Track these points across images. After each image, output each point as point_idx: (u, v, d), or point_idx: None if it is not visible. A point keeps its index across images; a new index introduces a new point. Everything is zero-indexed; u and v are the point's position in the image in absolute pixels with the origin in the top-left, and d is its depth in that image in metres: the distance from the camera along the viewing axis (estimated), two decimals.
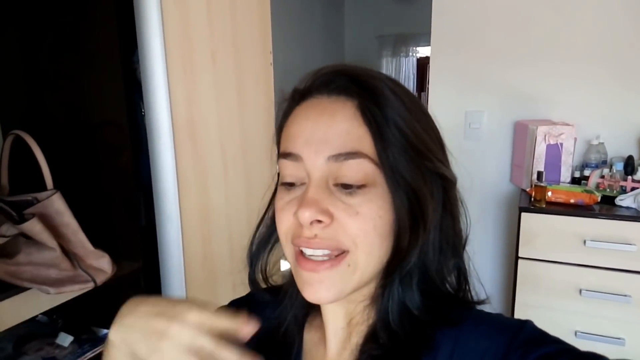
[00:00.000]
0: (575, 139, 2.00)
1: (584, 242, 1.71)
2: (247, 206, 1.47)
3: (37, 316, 1.28)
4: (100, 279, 1.11)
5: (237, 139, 1.44)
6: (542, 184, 1.79)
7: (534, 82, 2.18)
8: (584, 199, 1.76)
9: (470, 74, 2.27)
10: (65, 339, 1.18)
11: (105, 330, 1.23)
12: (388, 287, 0.53)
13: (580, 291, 1.74)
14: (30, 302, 1.03)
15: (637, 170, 1.85)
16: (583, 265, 1.74)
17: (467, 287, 0.57)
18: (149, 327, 0.43)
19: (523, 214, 1.79)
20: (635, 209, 1.72)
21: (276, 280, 0.66)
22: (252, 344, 0.61)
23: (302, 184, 0.52)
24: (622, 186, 1.84)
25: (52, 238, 1.03)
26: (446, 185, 0.54)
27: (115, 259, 1.14)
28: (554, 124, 2.00)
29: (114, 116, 1.15)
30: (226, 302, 1.38)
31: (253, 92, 1.50)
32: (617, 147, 2.05)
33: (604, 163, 2.01)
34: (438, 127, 0.56)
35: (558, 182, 1.95)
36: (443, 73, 2.30)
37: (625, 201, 1.75)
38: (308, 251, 0.51)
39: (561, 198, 1.79)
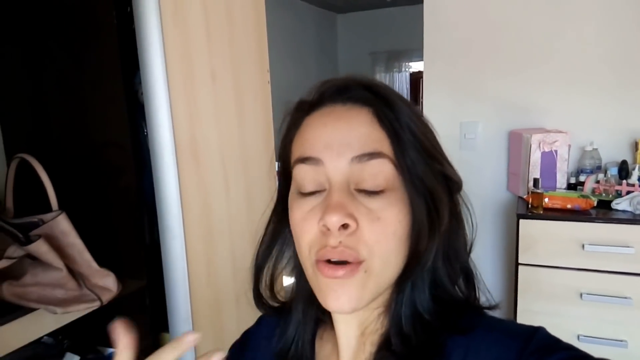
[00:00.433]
0: (570, 146, 2.03)
1: (583, 246, 1.73)
2: (249, 222, 1.49)
3: (42, 338, 1.28)
4: (106, 298, 1.11)
5: (238, 155, 1.46)
6: (538, 191, 1.81)
7: (526, 92, 2.22)
8: (581, 204, 1.79)
9: (463, 85, 2.31)
10: (71, 359, 1.18)
11: (110, 350, 1.23)
12: (402, 293, 0.54)
13: (581, 295, 1.75)
14: (37, 322, 1.04)
15: (631, 174, 1.89)
16: (583, 270, 1.76)
17: (477, 291, 0.57)
18: None
19: (521, 221, 1.81)
20: (631, 212, 1.75)
21: (282, 294, 0.67)
22: None
23: (321, 191, 0.52)
24: (617, 190, 1.87)
25: (58, 258, 1.04)
26: (452, 187, 0.55)
27: (120, 278, 1.15)
28: (548, 131, 2.04)
29: (117, 137, 1.17)
30: (231, 319, 1.40)
31: (252, 110, 1.53)
32: (611, 153, 2.08)
33: (598, 168, 2.04)
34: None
35: (554, 188, 1.98)
36: (437, 85, 2.34)
37: (621, 205, 1.78)
38: (333, 260, 0.50)
39: (558, 204, 1.82)
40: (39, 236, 1.02)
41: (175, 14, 1.19)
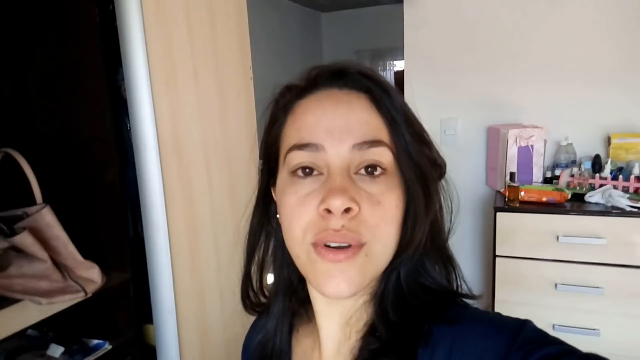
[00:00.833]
0: (545, 141, 2.09)
1: (557, 238, 1.78)
2: (232, 216, 1.51)
3: (27, 330, 1.30)
4: (91, 289, 1.14)
5: (221, 151, 1.48)
6: (514, 184, 1.87)
7: (504, 88, 2.28)
8: (555, 197, 1.84)
9: (443, 82, 2.36)
10: (56, 350, 1.20)
11: (95, 341, 1.26)
12: (390, 279, 0.54)
13: (556, 285, 1.81)
14: (22, 313, 1.06)
15: (604, 168, 1.94)
16: (557, 261, 1.81)
17: (459, 279, 0.57)
18: None
19: (498, 214, 1.86)
20: (603, 204, 1.81)
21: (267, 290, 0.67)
22: None
23: (318, 175, 0.51)
24: (590, 184, 1.92)
25: (42, 250, 1.06)
26: (439, 171, 0.56)
27: (104, 270, 1.17)
28: (524, 127, 2.09)
29: (101, 132, 1.19)
30: (215, 312, 1.41)
31: (234, 106, 1.56)
32: (585, 147, 2.14)
33: (573, 162, 2.10)
34: None
35: (531, 182, 2.03)
36: (417, 82, 2.39)
37: (594, 197, 1.83)
38: (333, 245, 0.49)
39: (534, 197, 1.87)
40: (23, 228, 1.04)
41: (157, 11, 1.21)
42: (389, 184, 0.51)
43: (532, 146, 2.02)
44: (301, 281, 0.62)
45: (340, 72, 0.54)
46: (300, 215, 0.50)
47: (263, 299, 0.66)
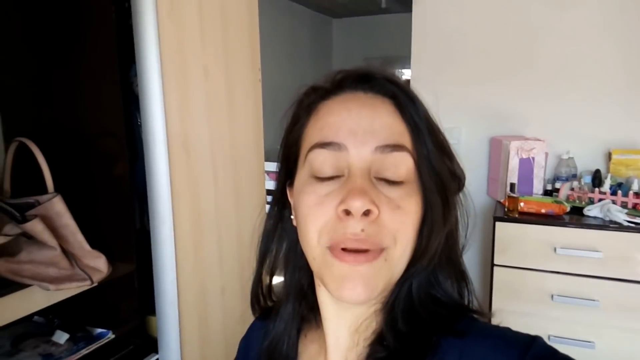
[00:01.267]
0: (547, 154, 2.12)
1: (555, 249, 1.81)
2: (236, 214, 1.54)
3: (33, 317, 1.33)
4: (97, 278, 1.17)
5: (227, 150, 1.52)
6: (514, 195, 1.89)
7: (509, 101, 2.31)
8: (554, 209, 1.87)
9: (448, 92, 2.39)
10: (61, 337, 1.23)
11: (99, 330, 1.29)
12: (402, 288, 0.53)
13: (552, 297, 1.83)
14: (31, 298, 1.09)
15: (603, 182, 1.97)
16: (554, 272, 1.84)
17: (470, 294, 0.57)
18: None
19: (497, 224, 1.89)
20: (601, 218, 1.83)
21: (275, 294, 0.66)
22: None
23: (339, 176, 0.50)
24: (590, 198, 1.95)
25: (52, 238, 1.09)
26: (458, 183, 0.55)
27: (110, 261, 1.20)
28: (527, 139, 2.12)
29: (112, 126, 1.22)
30: (216, 307, 1.44)
31: (242, 107, 1.59)
32: (586, 162, 2.17)
33: (573, 176, 2.13)
34: None
35: (531, 193, 2.06)
36: (422, 91, 2.41)
37: (592, 211, 1.86)
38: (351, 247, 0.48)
39: (533, 208, 1.90)
40: (34, 216, 1.07)
41: (171, 11, 1.25)
42: (409, 190, 0.50)
43: (533, 158, 2.05)
44: (311, 286, 0.61)
45: (366, 76, 0.54)
46: (317, 215, 0.50)
47: (270, 303, 0.66)
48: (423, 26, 2.41)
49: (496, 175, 2.22)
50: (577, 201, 1.96)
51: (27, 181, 1.17)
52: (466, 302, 0.56)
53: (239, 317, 1.56)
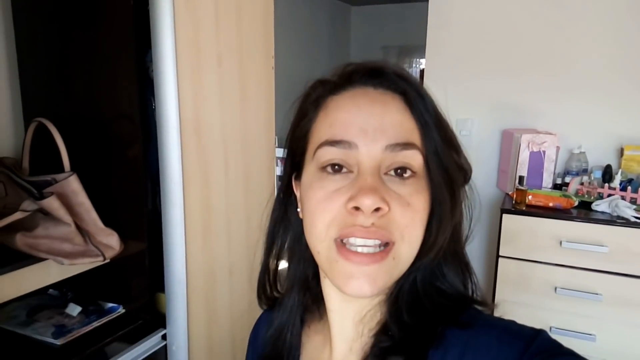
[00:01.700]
0: (558, 148, 2.11)
1: (560, 243, 1.82)
2: (244, 198, 1.58)
3: (48, 289, 1.39)
4: (109, 255, 1.21)
5: (238, 136, 1.55)
6: (523, 188, 1.90)
7: (522, 93, 2.30)
8: (562, 202, 1.87)
9: (461, 83, 2.39)
10: (74, 309, 1.28)
11: (110, 304, 1.34)
12: (407, 281, 0.54)
13: (556, 289, 1.84)
14: (46, 271, 1.14)
15: (614, 178, 1.96)
16: (559, 265, 1.85)
17: (475, 286, 0.57)
18: None
19: (504, 215, 1.90)
20: (609, 213, 1.83)
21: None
22: (260, 356, 0.65)
23: (348, 172, 0.51)
24: (599, 193, 1.95)
25: (67, 215, 1.13)
26: (464, 177, 0.55)
27: (122, 239, 1.24)
28: (538, 132, 2.12)
29: (128, 109, 1.26)
30: (223, 288, 1.48)
31: (255, 94, 1.61)
32: (597, 157, 2.16)
33: (584, 171, 2.13)
34: None
35: (540, 187, 2.06)
36: (436, 81, 2.43)
37: (600, 206, 1.86)
38: (358, 241, 0.49)
39: (541, 201, 1.90)
40: (51, 193, 1.12)
41: None
42: (418, 187, 0.50)
43: (544, 152, 2.05)
44: (315, 277, 0.62)
45: (376, 71, 0.53)
46: (325, 210, 0.50)
47: (277, 294, 0.66)
48: (439, 16, 2.41)
49: (506, 167, 2.22)
50: (586, 196, 1.96)
51: (44, 160, 1.22)
52: (470, 293, 0.57)
53: (246, 297, 1.61)
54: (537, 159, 2.05)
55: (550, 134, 2.10)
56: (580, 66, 2.18)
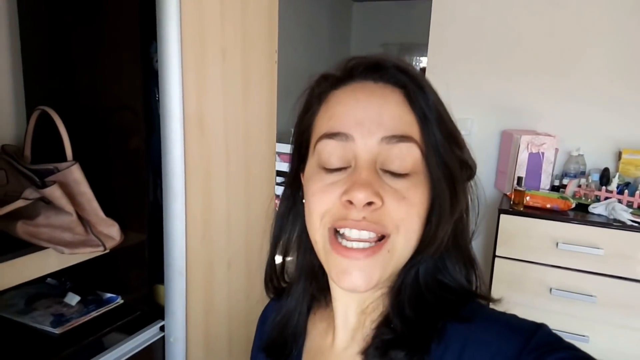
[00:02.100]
0: (557, 150, 2.13)
1: (557, 244, 1.83)
2: (245, 192, 1.58)
3: (46, 278, 1.39)
4: (109, 245, 1.21)
5: (240, 130, 1.55)
6: (521, 189, 1.91)
7: (522, 95, 2.31)
8: (559, 204, 1.88)
9: (462, 82, 2.40)
10: (72, 299, 1.28)
11: (108, 295, 1.34)
12: (409, 274, 0.54)
13: (551, 290, 1.86)
14: (46, 260, 1.13)
15: (611, 181, 1.98)
16: (554, 266, 1.86)
17: (478, 280, 0.57)
18: None
19: (502, 216, 1.91)
20: (605, 216, 1.85)
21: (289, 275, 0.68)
22: (266, 340, 0.66)
23: (346, 167, 0.51)
24: (596, 195, 1.96)
25: (69, 204, 1.13)
26: (468, 172, 0.55)
27: (123, 230, 1.24)
28: (538, 134, 2.13)
29: (131, 100, 1.25)
30: (221, 281, 1.48)
31: (257, 88, 1.61)
32: (595, 160, 2.18)
33: (582, 173, 2.14)
34: None
35: (538, 188, 2.08)
36: (437, 80, 2.42)
37: (597, 209, 1.87)
38: (353, 234, 0.49)
39: (538, 203, 1.92)
40: (53, 182, 1.12)
41: None
42: (415, 181, 0.50)
43: (542, 153, 2.06)
44: (321, 267, 0.61)
45: (376, 65, 0.53)
46: (320, 201, 0.51)
47: (283, 284, 0.68)
48: (442, 15, 2.41)
49: (505, 168, 2.23)
50: (584, 198, 1.97)
51: (47, 148, 1.21)
52: (474, 288, 0.57)
53: (243, 290, 1.61)
54: (535, 160, 2.06)
55: (550, 135, 2.11)
56: (581, 69, 2.20)
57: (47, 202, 1.14)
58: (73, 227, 1.17)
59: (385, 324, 0.54)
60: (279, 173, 1.77)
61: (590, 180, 2.05)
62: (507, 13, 2.30)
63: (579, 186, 2.03)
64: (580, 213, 1.90)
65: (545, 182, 2.09)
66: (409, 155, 0.50)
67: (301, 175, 0.61)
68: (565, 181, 2.11)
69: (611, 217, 1.82)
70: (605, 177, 2.02)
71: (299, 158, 0.60)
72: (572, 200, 1.90)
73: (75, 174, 1.17)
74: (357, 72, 0.54)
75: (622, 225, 1.77)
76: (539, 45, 2.26)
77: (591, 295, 1.81)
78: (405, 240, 0.50)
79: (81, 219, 1.19)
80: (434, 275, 0.55)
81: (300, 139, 0.59)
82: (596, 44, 2.16)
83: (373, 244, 0.50)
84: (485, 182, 2.49)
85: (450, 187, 0.52)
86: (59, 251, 1.14)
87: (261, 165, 1.65)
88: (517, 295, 1.92)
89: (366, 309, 0.56)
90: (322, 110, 0.55)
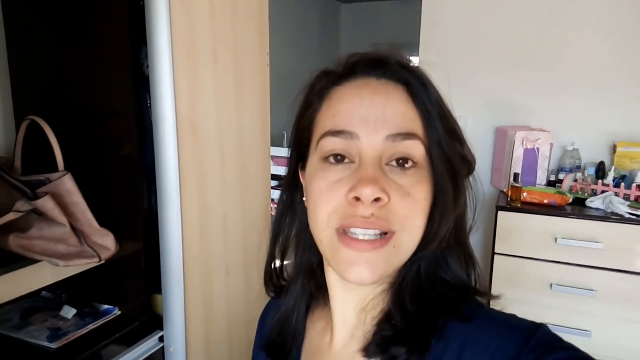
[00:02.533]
0: (552, 145, 2.12)
1: (555, 239, 1.83)
2: (241, 196, 1.56)
3: (41, 292, 1.36)
4: (105, 255, 1.19)
5: (234, 133, 1.53)
6: (517, 185, 1.91)
7: (515, 91, 2.31)
8: (557, 199, 1.88)
9: (455, 80, 2.39)
10: (68, 312, 1.26)
11: (105, 306, 1.32)
12: (411, 270, 0.54)
13: (551, 285, 1.85)
14: (40, 273, 1.11)
15: (607, 175, 1.98)
16: (554, 262, 1.86)
17: (477, 275, 0.57)
18: None
19: (499, 213, 1.90)
20: (603, 210, 1.85)
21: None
22: (266, 339, 0.66)
23: (349, 162, 0.51)
24: (593, 189, 1.96)
25: (62, 215, 1.11)
26: (468, 167, 0.56)
27: (118, 239, 1.22)
28: (532, 130, 2.13)
29: (122, 107, 1.23)
30: (220, 287, 1.47)
31: (250, 91, 1.60)
32: (590, 153, 2.18)
33: (577, 168, 2.14)
34: None
35: (534, 184, 2.07)
36: (429, 78, 2.42)
37: (594, 203, 1.87)
38: (359, 231, 0.49)
39: (535, 198, 1.91)
40: (45, 193, 1.09)
41: None
42: (419, 177, 0.50)
43: (538, 149, 2.05)
44: (320, 265, 0.63)
45: (379, 62, 0.53)
46: (327, 200, 0.51)
47: (283, 282, 0.68)
48: (433, 13, 2.41)
49: (500, 165, 2.23)
50: (580, 192, 1.97)
51: (37, 159, 1.19)
52: (473, 283, 0.57)
53: (242, 296, 1.59)
54: (531, 156, 2.06)
55: (544, 130, 2.11)
56: (573, 63, 2.20)
57: (40, 214, 1.12)
58: (67, 238, 1.14)
59: (386, 321, 0.54)
60: (274, 177, 1.75)
61: (586, 174, 2.05)
62: (497, 9, 2.30)
63: (575, 180, 2.03)
64: (577, 207, 1.90)
65: (542, 177, 2.09)
66: (413, 152, 0.50)
67: (300, 173, 0.60)
68: (561, 176, 2.11)
69: (609, 210, 1.82)
70: (601, 171, 2.02)
71: (298, 156, 0.59)
72: (569, 195, 1.90)
73: (68, 184, 1.14)
74: (359, 68, 0.54)
75: (620, 219, 1.77)
76: (530, 41, 2.26)
77: (592, 290, 1.80)
78: (409, 236, 0.51)
79: (75, 229, 1.16)
80: (435, 271, 0.55)
81: (300, 137, 0.58)
82: (588, 37, 2.17)
83: (379, 236, 0.50)
84: (481, 180, 2.47)
85: (453, 182, 0.52)
86: (53, 263, 1.11)
87: (256, 168, 1.63)
88: (518, 292, 1.92)
89: (366, 307, 0.56)
90: (324, 107, 0.54)
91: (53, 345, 1.15)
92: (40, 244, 1.13)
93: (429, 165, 0.51)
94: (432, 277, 0.55)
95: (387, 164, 0.50)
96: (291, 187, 0.63)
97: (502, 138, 2.22)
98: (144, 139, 1.29)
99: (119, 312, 1.30)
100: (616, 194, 1.89)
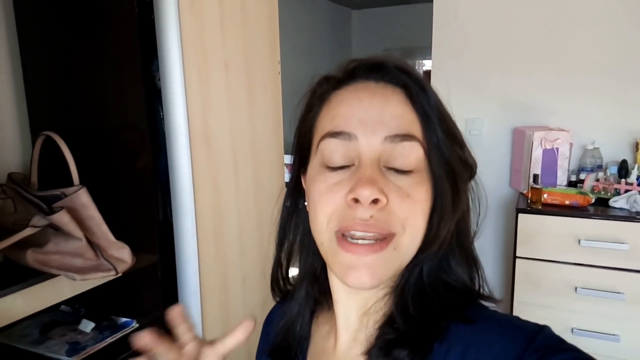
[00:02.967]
0: (571, 144, 2.08)
1: (579, 241, 1.78)
2: (256, 204, 1.56)
3: (60, 306, 1.37)
4: (121, 268, 1.19)
5: (247, 142, 1.53)
6: (538, 186, 1.87)
7: (532, 90, 2.27)
8: (579, 200, 1.84)
9: (470, 82, 2.36)
10: (87, 326, 1.26)
11: (123, 319, 1.32)
12: (412, 273, 0.54)
13: (576, 289, 1.80)
14: (58, 288, 1.12)
15: (630, 173, 1.93)
16: (578, 264, 1.81)
17: (481, 280, 0.57)
18: None
19: (520, 215, 1.87)
20: (627, 209, 1.80)
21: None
22: (271, 345, 0.65)
23: (349, 166, 0.51)
24: (616, 189, 1.91)
25: (78, 229, 1.11)
26: (469, 171, 0.56)
27: (134, 252, 1.22)
28: (550, 129, 2.09)
29: (135, 120, 1.24)
30: (237, 297, 1.46)
31: (262, 99, 1.60)
32: (612, 152, 2.13)
33: (599, 167, 2.09)
34: None
35: (554, 185, 2.03)
36: (443, 82, 2.40)
37: (618, 202, 1.82)
38: (358, 235, 0.49)
39: (557, 200, 1.87)
40: (61, 207, 1.10)
41: (192, 4, 1.26)
42: (419, 179, 0.51)
43: (557, 149, 2.01)
44: (324, 270, 0.63)
45: (377, 66, 0.54)
46: (326, 202, 0.51)
47: (289, 287, 0.67)
48: (444, 16, 2.39)
49: (519, 166, 2.19)
50: (603, 192, 1.92)
51: (53, 174, 1.20)
52: (477, 287, 0.57)
53: (260, 306, 1.58)
54: (550, 156, 2.02)
55: (563, 130, 2.07)
56: (591, 60, 2.15)
57: (56, 229, 1.12)
58: (83, 252, 1.14)
59: (388, 324, 0.54)
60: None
61: (608, 174, 2.00)
62: (510, 8, 2.26)
63: (597, 180, 1.98)
64: (600, 208, 1.85)
65: (562, 178, 2.04)
66: (411, 154, 0.50)
67: (302, 178, 0.60)
68: (582, 176, 2.06)
69: (633, 210, 1.77)
70: (623, 169, 1.97)
71: (300, 160, 0.60)
72: (591, 195, 1.85)
73: (83, 198, 1.15)
74: (358, 72, 0.55)
75: None
76: (545, 39, 2.22)
77: (619, 292, 1.75)
78: (410, 238, 0.51)
79: (91, 243, 1.16)
80: (438, 275, 0.55)
81: (302, 141, 0.59)
82: (605, 34, 2.12)
83: (380, 241, 0.50)
84: (499, 182, 2.46)
85: (452, 184, 0.52)
86: (70, 278, 1.12)
87: (270, 177, 1.63)
88: (542, 297, 1.87)
89: (368, 310, 0.56)
90: (325, 110, 0.55)
91: None
92: (57, 259, 1.13)
93: (428, 168, 0.52)
94: (434, 281, 0.55)
95: (385, 165, 0.50)
96: (294, 192, 0.63)
97: (520, 139, 2.18)
98: (157, 151, 1.29)
99: (137, 325, 1.30)
100: None
